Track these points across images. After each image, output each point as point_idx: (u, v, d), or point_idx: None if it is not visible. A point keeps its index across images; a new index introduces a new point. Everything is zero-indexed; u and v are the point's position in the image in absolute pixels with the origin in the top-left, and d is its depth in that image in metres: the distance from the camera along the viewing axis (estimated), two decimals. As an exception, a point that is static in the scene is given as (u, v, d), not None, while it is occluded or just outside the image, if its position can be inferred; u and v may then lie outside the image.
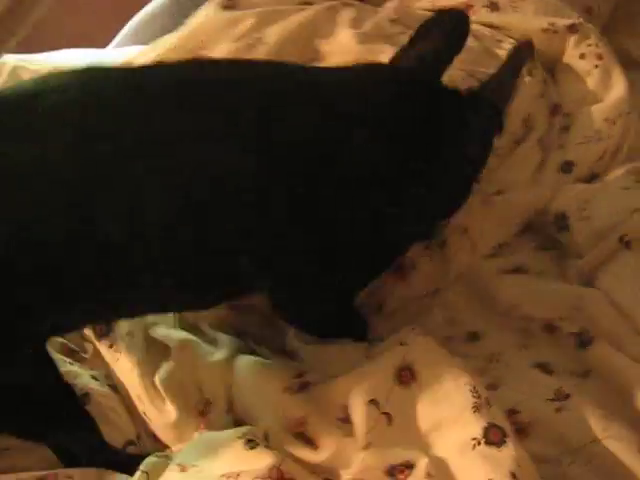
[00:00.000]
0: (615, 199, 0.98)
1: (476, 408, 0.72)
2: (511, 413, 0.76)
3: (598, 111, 1.12)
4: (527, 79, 1.14)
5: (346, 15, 1.18)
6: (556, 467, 0.73)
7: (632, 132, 1.10)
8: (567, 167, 1.08)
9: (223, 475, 0.71)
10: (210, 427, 0.82)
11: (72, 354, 0.93)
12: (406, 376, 0.76)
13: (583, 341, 0.83)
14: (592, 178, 1.07)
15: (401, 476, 0.71)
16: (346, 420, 0.75)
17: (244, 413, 0.82)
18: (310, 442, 0.75)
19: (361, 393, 0.75)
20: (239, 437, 0.74)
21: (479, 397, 0.73)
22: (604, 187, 1.02)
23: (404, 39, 1.02)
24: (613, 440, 0.73)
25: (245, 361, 0.85)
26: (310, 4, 1.25)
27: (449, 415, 0.73)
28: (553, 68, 1.24)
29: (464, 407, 0.72)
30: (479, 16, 1.26)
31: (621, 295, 0.86)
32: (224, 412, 0.83)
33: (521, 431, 0.75)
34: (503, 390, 0.79)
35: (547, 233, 1.01)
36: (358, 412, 0.74)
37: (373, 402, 0.74)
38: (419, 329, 0.80)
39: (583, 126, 1.11)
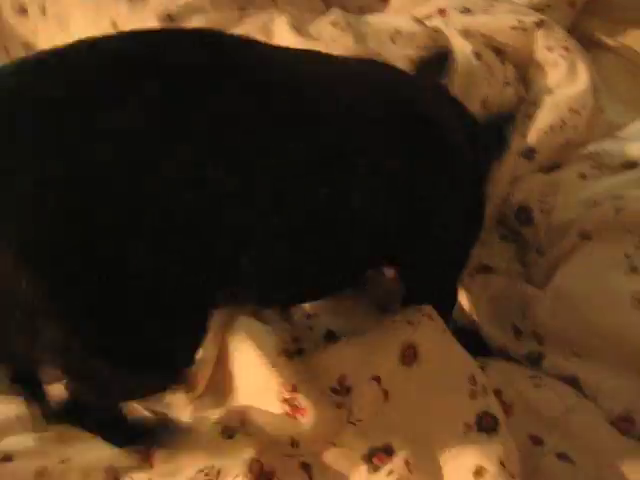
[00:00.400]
0: (573, 191, 0.96)
1: (472, 395, 0.70)
2: (496, 393, 0.74)
3: (563, 101, 1.11)
4: (476, 63, 1.13)
5: (284, 21, 1.13)
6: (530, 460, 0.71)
7: (603, 128, 1.08)
8: (529, 153, 1.06)
9: (201, 471, 0.66)
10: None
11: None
12: (409, 355, 0.73)
13: (532, 360, 0.82)
14: (554, 168, 1.04)
15: (378, 462, 0.68)
16: (339, 392, 0.72)
17: (233, 377, 0.77)
18: (298, 410, 0.71)
19: (366, 368, 0.72)
20: (214, 424, 0.70)
21: (476, 384, 0.71)
22: (562, 177, 1.00)
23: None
24: (584, 412, 0.73)
25: (244, 322, 0.80)
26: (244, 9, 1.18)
27: (444, 399, 0.71)
28: (525, 66, 1.22)
29: (460, 392, 0.70)
30: (451, 19, 1.25)
31: (575, 287, 0.83)
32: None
33: (505, 410, 0.73)
34: (489, 371, 0.77)
35: (510, 225, 0.99)
36: (360, 387, 0.71)
37: (375, 379, 0.71)
38: (427, 310, 0.77)
39: (547, 115, 1.09)
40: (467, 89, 1.10)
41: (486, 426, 0.68)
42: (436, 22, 1.26)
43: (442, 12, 1.27)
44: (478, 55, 1.15)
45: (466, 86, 1.10)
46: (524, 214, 0.95)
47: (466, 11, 1.28)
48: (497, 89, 1.15)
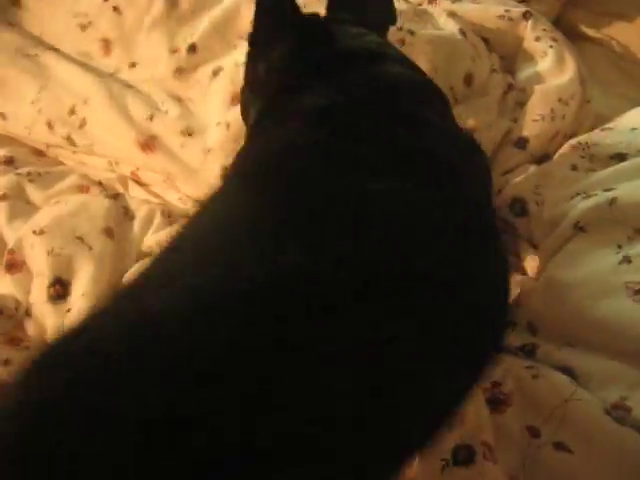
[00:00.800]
0: (565, 182, 0.95)
1: (449, 427, 0.68)
2: (495, 385, 0.73)
3: (553, 91, 1.10)
4: (460, 37, 1.13)
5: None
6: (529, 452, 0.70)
7: (589, 119, 1.09)
8: (521, 143, 1.06)
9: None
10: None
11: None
12: None
13: (527, 352, 0.80)
14: (545, 158, 1.05)
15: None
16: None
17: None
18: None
19: None
20: None
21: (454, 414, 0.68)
22: (555, 169, 0.99)
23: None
24: (581, 401, 0.71)
25: None
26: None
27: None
28: (511, 56, 1.22)
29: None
30: (441, 6, 1.25)
31: (568, 278, 0.82)
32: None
33: (504, 402, 0.73)
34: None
35: (503, 216, 0.98)
36: None
37: None
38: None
39: (538, 104, 1.09)
40: (449, 62, 1.10)
41: (461, 458, 0.66)
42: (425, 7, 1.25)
43: (432, 1, 1.27)
44: (463, 33, 1.14)
45: (448, 59, 1.10)
46: (518, 206, 0.94)
47: (456, 0, 1.28)
48: (484, 70, 1.14)
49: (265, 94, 0.76)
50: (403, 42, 1.07)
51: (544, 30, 1.19)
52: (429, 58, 1.07)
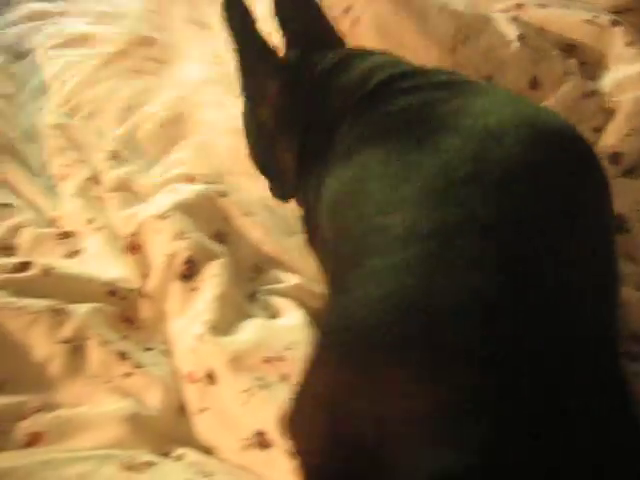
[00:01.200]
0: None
1: None
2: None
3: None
4: (517, 44, 1.14)
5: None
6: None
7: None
8: (616, 158, 1.05)
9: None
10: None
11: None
12: None
13: (632, 357, 0.78)
14: (634, 169, 1.04)
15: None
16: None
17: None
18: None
19: None
20: None
21: None
22: None
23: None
24: None
25: None
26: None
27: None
28: (596, 63, 1.21)
29: None
30: (528, 12, 1.26)
31: None
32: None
33: None
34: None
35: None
36: None
37: None
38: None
39: (630, 117, 1.08)
40: (502, 71, 1.12)
41: None
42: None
43: (520, 7, 1.26)
44: (522, 38, 1.16)
45: (500, 68, 1.12)
46: (618, 223, 0.94)
47: (542, 6, 1.27)
48: (554, 73, 1.15)
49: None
50: (454, 50, 1.10)
51: (635, 38, 1.17)
52: (477, 68, 1.11)
